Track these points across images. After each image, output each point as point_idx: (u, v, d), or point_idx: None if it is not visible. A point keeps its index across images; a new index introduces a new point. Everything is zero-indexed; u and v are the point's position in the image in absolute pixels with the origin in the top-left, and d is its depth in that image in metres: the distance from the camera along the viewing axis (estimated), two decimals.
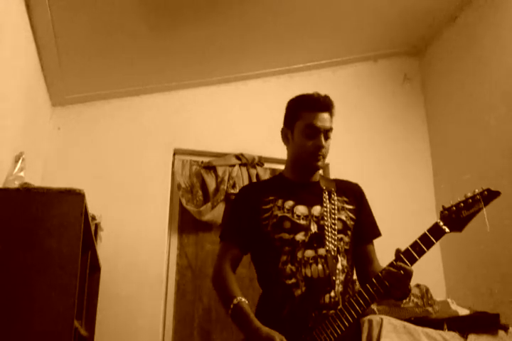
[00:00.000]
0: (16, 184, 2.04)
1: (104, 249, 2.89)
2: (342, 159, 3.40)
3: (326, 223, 1.63)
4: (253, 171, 3.38)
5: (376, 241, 1.77)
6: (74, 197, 1.83)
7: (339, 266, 1.60)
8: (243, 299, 1.55)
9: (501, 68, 3.11)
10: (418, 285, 2.68)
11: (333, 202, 1.68)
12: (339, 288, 1.57)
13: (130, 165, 3.28)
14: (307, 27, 3.30)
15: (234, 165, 3.36)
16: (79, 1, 2.53)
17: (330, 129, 1.67)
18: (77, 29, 2.71)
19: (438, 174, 3.67)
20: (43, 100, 3.02)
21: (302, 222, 1.63)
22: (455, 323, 2.50)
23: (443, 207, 1.55)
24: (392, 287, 1.47)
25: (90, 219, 2.32)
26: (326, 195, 1.69)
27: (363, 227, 1.72)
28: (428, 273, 3.17)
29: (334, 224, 1.63)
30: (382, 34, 3.65)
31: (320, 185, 1.73)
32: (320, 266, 1.57)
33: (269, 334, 1.44)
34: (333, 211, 1.66)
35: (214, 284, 1.67)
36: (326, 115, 1.66)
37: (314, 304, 1.52)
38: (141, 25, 2.86)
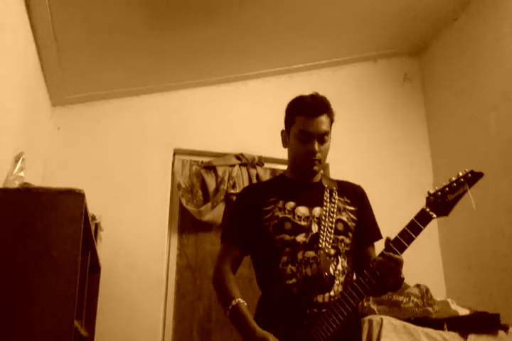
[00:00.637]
0: (16, 184, 2.04)
1: (104, 249, 2.89)
2: (342, 159, 3.40)
3: (326, 223, 1.63)
4: (253, 171, 3.38)
5: (376, 241, 1.76)
6: (74, 197, 1.83)
7: (339, 267, 1.60)
8: (241, 300, 1.55)
9: (501, 68, 3.11)
10: (418, 285, 2.67)
11: (333, 201, 1.68)
12: (339, 288, 1.57)
13: (130, 165, 3.28)
14: (307, 27, 3.30)
15: (234, 165, 3.36)
16: (79, 1, 2.53)
17: (325, 133, 1.65)
18: (77, 29, 2.71)
19: (438, 174, 3.67)
20: (43, 100, 3.02)
21: (303, 223, 1.63)
22: (455, 323, 2.50)
23: (428, 192, 1.56)
24: (383, 276, 1.47)
25: (90, 219, 2.32)
26: (327, 194, 1.69)
27: (364, 229, 1.72)
28: (428, 273, 3.18)
29: (333, 223, 1.63)
30: (382, 34, 3.65)
31: (321, 185, 1.73)
32: (316, 264, 1.57)
33: (264, 337, 1.44)
34: (332, 211, 1.66)
35: (214, 285, 1.68)
36: (320, 119, 1.64)
37: (309, 301, 1.52)
38: (141, 25, 2.86)
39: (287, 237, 1.61)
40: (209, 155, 3.44)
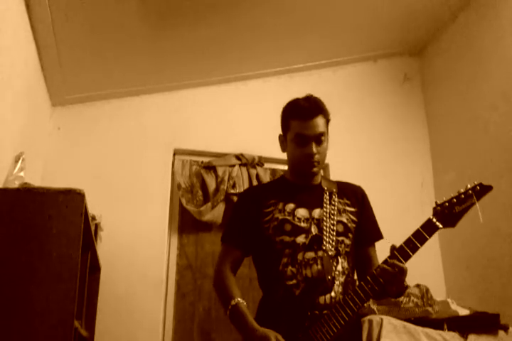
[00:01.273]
0: (16, 184, 2.04)
1: (104, 249, 2.89)
2: (342, 159, 3.40)
3: (326, 225, 1.63)
4: (253, 171, 3.38)
5: (377, 241, 1.77)
6: (74, 197, 1.83)
7: (339, 267, 1.61)
8: (241, 300, 1.56)
9: (501, 68, 3.11)
10: (418, 285, 2.68)
11: (333, 203, 1.69)
12: (339, 289, 1.57)
13: (130, 165, 3.27)
14: (307, 27, 3.30)
15: (234, 165, 3.36)
16: (79, 1, 2.53)
17: (321, 134, 1.66)
18: (77, 29, 2.71)
19: (438, 174, 3.67)
20: (43, 100, 3.02)
21: (303, 224, 1.63)
22: (455, 323, 2.50)
23: (436, 203, 1.56)
24: (387, 284, 1.47)
25: (90, 219, 2.32)
26: (326, 196, 1.70)
27: (365, 230, 1.72)
28: (428, 273, 3.18)
29: (333, 225, 1.64)
30: (382, 34, 3.65)
31: (321, 187, 1.73)
32: (319, 266, 1.58)
33: (264, 334, 1.45)
34: (333, 212, 1.66)
35: (214, 285, 1.69)
36: (315, 121, 1.65)
37: (310, 303, 1.53)
38: (141, 26, 2.86)
39: (287, 239, 1.62)
40: (209, 155, 3.44)
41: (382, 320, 2.39)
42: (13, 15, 2.21)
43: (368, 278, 1.49)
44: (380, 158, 3.69)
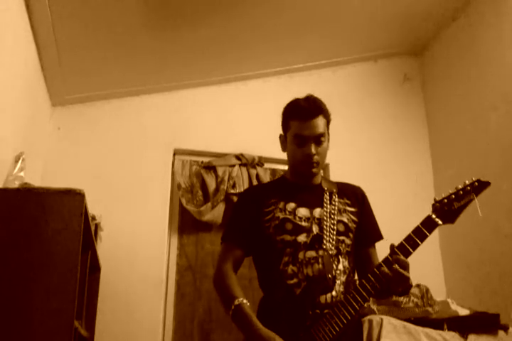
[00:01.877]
0: (16, 184, 2.04)
1: (104, 249, 2.89)
2: (342, 159, 3.40)
3: (327, 224, 1.63)
4: (253, 171, 3.38)
5: (377, 242, 1.77)
6: (74, 197, 1.83)
7: (340, 266, 1.61)
8: (244, 300, 1.55)
9: (501, 68, 3.11)
10: (418, 285, 2.67)
11: (334, 203, 1.69)
12: (340, 288, 1.57)
13: (130, 165, 3.28)
14: (307, 27, 3.30)
15: (234, 165, 3.36)
16: (79, 1, 2.53)
17: (321, 134, 1.66)
18: (77, 29, 2.71)
19: (438, 174, 3.67)
20: (43, 100, 3.02)
21: (304, 223, 1.64)
22: (455, 323, 2.50)
23: (435, 199, 1.56)
24: (389, 281, 1.47)
25: (90, 219, 2.32)
26: (327, 196, 1.70)
27: (365, 230, 1.73)
28: (428, 273, 3.18)
29: (334, 225, 1.64)
30: (383, 34, 3.65)
31: (321, 187, 1.74)
32: (320, 266, 1.58)
33: (269, 336, 1.44)
34: (333, 212, 1.66)
35: (215, 285, 1.68)
36: (315, 121, 1.65)
37: (311, 302, 1.53)
38: (141, 26, 2.86)
39: (288, 238, 1.62)
40: (209, 155, 3.44)
41: (382, 320, 2.39)
42: (13, 15, 2.21)
43: (369, 276, 1.49)
44: (380, 158, 3.69)
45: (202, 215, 3.21)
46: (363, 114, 3.79)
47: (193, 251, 3.30)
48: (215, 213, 3.22)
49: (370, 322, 2.38)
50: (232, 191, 3.26)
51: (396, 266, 1.45)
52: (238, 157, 3.39)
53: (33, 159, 2.70)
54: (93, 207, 2.30)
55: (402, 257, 1.47)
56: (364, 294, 1.48)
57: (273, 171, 3.47)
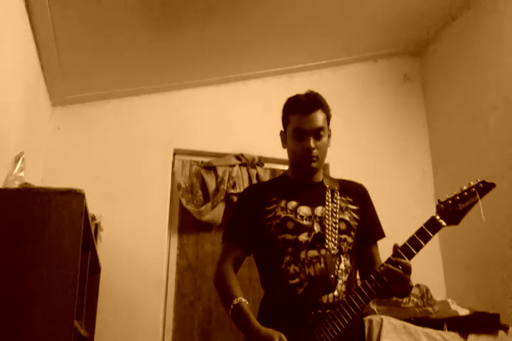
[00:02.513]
0: (16, 184, 2.04)
1: (104, 249, 2.89)
2: (342, 159, 3.40)
3: (328, 223, 1.63)
4: (253, 171, 3.38)
5: (379, 240, 1.77)
6: (74, 197, 1.83)
7: (342, 266, 1.60)
8: (243, 299, 1.55)
9: (501, 68, 3.11)
10: (418, 285, 2.68)
11: (335, 201, 1.68)
12: (342, 287, 1.57)
13: (130, 165, 3.28)
14: (307, 27, 3.30)
15: (234, 166, 3.36)
16: (79, 1, 2.53)
17: (320, 128, 1.65)
18: (78, 29, 2.71)
19: (438, 174, 3.67)
20: (43, 100, 3.02)
21: (305, 222, 1.63)
22: (455, 323, 2.50)
23: (439, 200, 1.55)
24: (391, 283, 1.46)
25: (90, 219, 2.32)
26: (328, 195, 1.69)
27: (367, 228, 1.72)
28: (428, 273, 3.17)
29: (336, 223, 1.63)
30: (383, 34, 3.65)
31: (323, 184, 1.73)
32: (322, 265, 1.57)
33: (268, 334, 1.44)
34: (335, 211, 1.66)
35: (216, 284, 1.67)
36: (314, 115, 1.65)
37: (313, 302, 1.52)
38: (141, 26, 2.86)
39: (290, 237, 1.61)
40: (209, 155, 3.44)
41: (382, 320, 2.39)
42: (13, 15, 2.21)
43: (372, 276, 1.49)
44: (380, 158, 3.69)
45: (202, 215, 3.21)
46: (363, 114, 3.79)
47: (193, 251, 3.30)
48: (215, 213, 3.22)
49: (370, 322, 2.38)
50: (232, 191, 3.26)
51: (398, 268, 1.45)
52: (238, 157, 3.39)
53: (33, 159, 2.70)
54: (93, 207, 2.30)
55: (404, 260, 1.46)
56: (366, 295, 1.48)
57: (273, 171, 3.47)
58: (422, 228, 1.50)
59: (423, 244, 1.48)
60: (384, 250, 1.74)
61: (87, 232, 2.16)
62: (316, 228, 1.62)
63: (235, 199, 3.21)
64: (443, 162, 3.64)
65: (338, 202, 1.68)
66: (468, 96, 3.40)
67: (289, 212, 1.64)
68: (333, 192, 1.70)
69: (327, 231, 1.61)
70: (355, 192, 1.75)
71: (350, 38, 3.60)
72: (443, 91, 3.72)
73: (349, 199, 1.72)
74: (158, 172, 3.32)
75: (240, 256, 1.69)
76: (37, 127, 2.93)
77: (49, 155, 3.13)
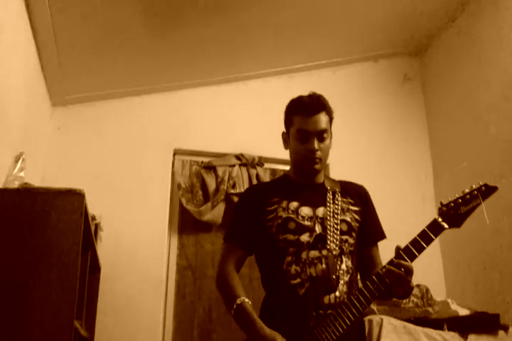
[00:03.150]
0: (15, 184, 2.04)
1: (104, 249, 2.89)
2: (342, 159, 3.39)
3: (330, 223, 1.63)
4: (253, 171, 3.38)
5: (380, 241, 1.77)
6: (74, 197, 1.83)
7: (343, 266, 1.60)
8: (246, 299, 1.55)
9: (501, 68, 3.11)
10: (418, 285, 2.68)
11: (337, 202, 1.68)
12: (344, 288, 1.57)
13: (130, 165, 3.27)
14: (307, 27, 3.30)
15: (234, 166, 3.36)
16: (79, 1, 2.53)
17: (324, 130, 1.66)
18: (77, 29, 2.71)
19: (438, 174, 3.67)
20: (43, 100, 3.02)
21: (307, 223, 1.63)
22: (455, 323, 2.50)
23: (441, 203, 1.55)
24: (393, 285, 1.47)
25: (90, 219, 2.32)
26: (330, 196, 1.69)
27: (368, 229, 1.72)
28: (428, 273, 3.17)
29: (337, 225, 1.63)
30: (383, 34, 3.65)
31: (324, 186, 1.73)
32: (324, 266, 1.57)
33: (271, 335, 1.44)
34: (336, 212, 1.66)
35: (217, 284, 1.67)
36: (318, 117, 1.65)
37: (315, 303, 1.52)
38: (141, 26, 2.86)
39: (291, 237, 1.61)
40: (209, 155, 3.44)
41: (382, 320, 2.39)
42: (13, 15, 2.21)
43: (374, 277, 1.49)
44: (380, 158, 3.69)
45: (202, 215, 3.21)
46: (363, 114, 3.79)
47: (193, 251, 3.30)
48: (215, 213, 3.22)
49: (370, 322, 2.38)
50: (232, 191, 3.26)
51: (400, 270, 1.45)
52: (238, 157, 3.39)
53: (33, 159, 2.70)
54: (93, 207, 2.29)
55: (406, 262, 1.46)
56: (368, 296, 1.48)
57: (273, 171, 3.47)
58: (424, 230, 1.51)
59: (425, 246, 1.49)
60: (384, 250, 1.74)
61: (87, 232, 2.16)
62: (318, 229, 1.62)
63: (235, 199, 3.21)
64: (443, 162, 3.64)
65: (340, 203, 1.69)
66: (468, 96, 3.40)
67: (290, 212, 1.64)
68: (334, 194, 1.70)
69: (328, 232, 1.62)
70: (356, 194, 1.76)
71: (350, 38, 3.60)
72: (443, 91, 3.72)
73: (350, 200, 1.72)
74: (158, 172, 3.32)
75: (241, 257, 1.69)
76: (37, 127, 2.93)
77: (49, 155, 3.13)
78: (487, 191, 1.52)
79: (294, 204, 1.66)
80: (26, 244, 1.73)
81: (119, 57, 3.07)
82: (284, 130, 1.76)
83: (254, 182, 3.34)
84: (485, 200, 1.51)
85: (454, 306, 2.66)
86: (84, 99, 3.32)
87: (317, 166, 1.67)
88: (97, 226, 2.77)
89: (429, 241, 1.49)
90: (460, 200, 1.53)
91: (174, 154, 3.41)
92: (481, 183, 1.53)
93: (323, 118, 1.66)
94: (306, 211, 1.65)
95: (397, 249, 1.50)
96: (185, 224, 3.34)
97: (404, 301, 2.57)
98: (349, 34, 3.55)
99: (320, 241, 1.60)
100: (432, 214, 1.57)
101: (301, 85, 3.55)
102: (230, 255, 1.68)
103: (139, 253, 3.07)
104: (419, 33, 3.76)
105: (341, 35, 3.54)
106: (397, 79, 3.96)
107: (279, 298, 1.59)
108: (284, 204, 1.66)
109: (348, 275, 1.61)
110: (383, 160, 3.69)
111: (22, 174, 2.16)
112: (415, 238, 1.50)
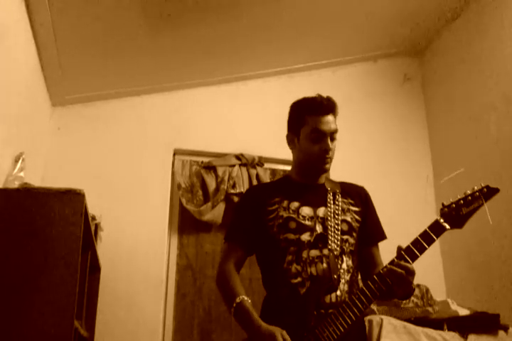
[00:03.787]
0: (15, 184, 2.04)
1: (104, 249, 2.89)
2: (342, 159, 3.38)
3: (330, 223, 1.63)
4: (253, 171, 3.38)
5: (380, 242, 1.77)
6: (74, 197, 1.83)
7: (344, 266, 1.61)
8: (246, 298, 1.55)
9: (501, 68, 3.11)
10: (418, 285, 2.68)
11: (337, 203, 1.69)
12: (344, 287, 1.57)
13: (130, 165, 3.28)
14: (307, 27, 3.30)
15: (234, 165, 3.36)
16: (79, 1, 2.53)
17: (335, 131, 1.67)
18: (77, 29, 2.71)
19: (438, 174, 3.67)
20: (43, 100, 3.02)
21: (308, 222, 1.64)
22: (455, 323, 2.50)
23: (443, 204, 1.56)
24: (394, 285, 1.47)
25: (90, 219, 2.32)
26: (330, 196, 1.70)
27: (368, 230, 1.73)
28: (428, 273, 3.17)
29: (338, 225, 1.64)
30: (382, 34, 3.65)
31: (325, 187, 1.74)
32: (325, 265, 1.58)
33: (270, 331, 1.44)
34: (337, 212, 1.67)
35: (218, 284, 1.68)
36: (330, 117, 1.67)
37: (316, 302, 1.53)
38: (141, 26, 2.86)
39: (292, 236, 1.62)
40: (209, 155, 3.44)
41: (382, 320, 2.39)
42: (13, 15, 2.21)
43: (375, 277, 1.49)
44: (380, 158, 3.69)
45: (202, 215, 3.21)
46: (363, 114, 3.79)
47: (193, 251, 3.30)
48: (215, 213, 3.22)
49: (370, 322, 2.38)
50: (232, 191, 3.26)
51: (401, 270, 1.45)
52: (238, 157, 3.40)
53: (33, 159, 2.70)
54: (93, 207, 2.30)
55: (407, 262, 1.47)
56: (369, 295, 1.48)
57: (273, 171, 3.46)
58: (425, 231, 1.51)
59: (427, 246, 1.49)
60: (384, 250, 1.74)
61: (87, 232, 2.16)
62: (318, 228, 1.63)
63: (235, 199, 3.22)
64: (443, 162, 3.64)
65: (340, 203, 1.69)
66: (468, 96, 3.40)
67: (291, 212, 1.65)
68: (334, 194, 1.71)
69: (329, 232, 1.62)
70: (356, 195, 1.76)
71: (350, 38, 3.60)
72: (443, 91, 3.72)
73: (350, 201, 1.73)
74: (158, 172, 3.32)
75: (241, 256, 1.69)
76: (37, 127, 2.93)
77: (49, 155, 3.13)
78: (489, 192, 1.53)
79: (295, 204, 1.67)
80: (26, 243, 1.73)
81: (119, 57, 3.07)
82: (288, 131, 1.76)
83: (254, 182, 3.34)
84: (487, 202, 1.52)
85: (454, 306, 2.66)
86: (84, 99, 3.32)
87: (327, 166, 1.69)
88: (97, 226, 2.77)
89: (430, 241, 1.50)
90: (462, 201, 1.54)
91: (174, 154, 3.41)
92: (482, 185, 1.54)
93: (334, 118, 1.69)
94: (306, 211, 1.66)
95: (399, 249, 1.50)
96: (185, 224, 3.34)
97: (405, 301, 2.57)
98: (349, 34, 3.55)
99: (321, 241, 1.61)
100: (432, 214, 1.57)
101: (301, 85, 3.58)
102: (231, 254, 1.68)
103: (139, 253, 3.07)
104: (419, 33, 3.76)
105: (341, 35, 3.54)
106: (397, 79, 3.96)
107: (280, 297, 1.59)
108: (285, 204, 1.67)
109: (349, 275, 1.61)
110: (383, 160, 3.69)
111: (22, 174, 2.16)
112: (417, 238, 1.50)
